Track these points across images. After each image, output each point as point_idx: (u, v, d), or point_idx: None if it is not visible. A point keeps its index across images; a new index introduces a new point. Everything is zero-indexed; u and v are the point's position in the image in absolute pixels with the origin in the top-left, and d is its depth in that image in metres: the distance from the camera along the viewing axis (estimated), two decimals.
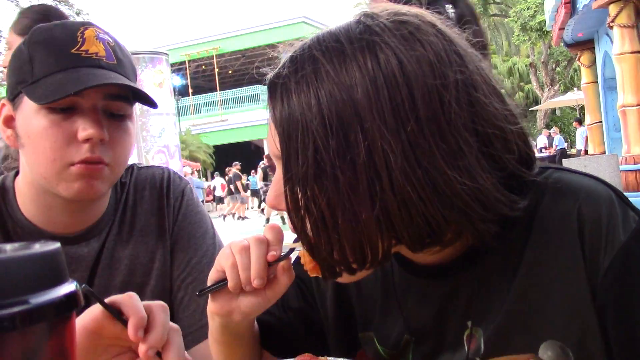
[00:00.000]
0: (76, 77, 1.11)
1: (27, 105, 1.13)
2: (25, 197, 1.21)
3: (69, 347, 0.35)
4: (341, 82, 0.73)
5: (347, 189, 0.72)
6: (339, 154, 0.72)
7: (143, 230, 1.30)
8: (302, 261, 0.86)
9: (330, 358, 0.86)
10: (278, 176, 0.83)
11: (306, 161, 0.73)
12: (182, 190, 1.36)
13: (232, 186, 19.99)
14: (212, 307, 0.94)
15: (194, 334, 1.27)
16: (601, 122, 10.92)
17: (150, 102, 1.23)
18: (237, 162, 20.89)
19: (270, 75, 0.81)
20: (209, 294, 0.92)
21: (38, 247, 0.34)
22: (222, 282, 0.90)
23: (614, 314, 0.77)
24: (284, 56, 0.81)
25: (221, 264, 0.89)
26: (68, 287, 0.34)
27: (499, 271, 0.85)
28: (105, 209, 1.29)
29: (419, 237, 0.76)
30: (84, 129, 1.12)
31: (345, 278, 0.83)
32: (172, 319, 1.31)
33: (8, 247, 0.34)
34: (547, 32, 19.31)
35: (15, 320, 0.31)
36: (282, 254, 0.88)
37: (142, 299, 1.27)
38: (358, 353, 0.99)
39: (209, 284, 0.91)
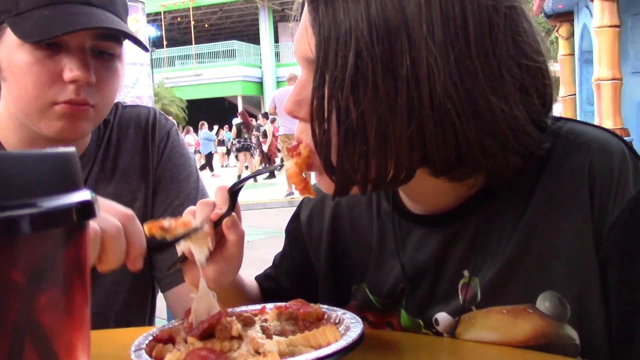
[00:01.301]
0: (64, 15, 1.05)
1: (11, 37, 1.07)
2: (8, 129, 1.17)
3: (84, 260, 0.33)
4: None
5: (385, 99, 0.71)
6: (382, 61, 0.70)
7: (126, 169, 1.27)
8: (291, 181, 0.84)
9: (323, 305, 0.85)
10: (302, 81, 0.81)
11: (345, 65, 0.71)
12: (167, 131, 1.33)
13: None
14: (186, 279, 0.92)
15: (171, 276, 1.27)
16: (575, 95, 11.02)
17: (141, 45, 1.19)
18: (204, 122, 20.59)
19: None
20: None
21: (50, 150, 0.31)
22: (180, 256, 0.89)
23: (616, 266, 0.77)
24: None
25: None
26: (83, 194, 0.32)
27: (501, 220, 0.84)
28: (87, 146, 1.25)
29: (447, 160, 0.74)
30: (70, 70, 1.07)
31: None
32: (150, 261, 1.30)
33: (17, 150, 0.31)
34: (527, 1, 19.29)
35: (24, 223, 0.28)
36: (226, 211, 0.86)
37: None
38: (346, 307, 0.99)
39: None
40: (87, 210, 0.32)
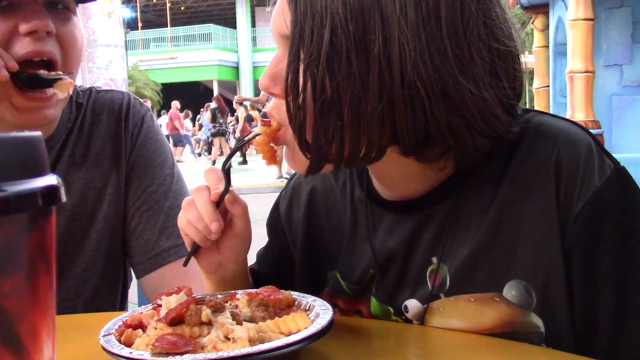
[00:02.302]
0: None
1: None
2: None
3: (49, 245, 0.32)
4: None
5: (358, 75, 0.72)
6: (356, 38, 0.71)
7: (98, 155, 1.25)
8: (259, 149, 0.85)
9: (294, 292, 0.85)
10: (278, 57, 0.81)
11: (321, 41, 0.72)
12: (142, 117, 1.31)
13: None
14: (202, 268, 0.96)
15: (146, 262, 1.25)
16: (548, 86, 11.15)
17: None
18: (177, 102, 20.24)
19: None
20: (195, 259, 0.94)
21: (15, 134, 0.31)
22: (194, 246, 0.92)
23: (580, 256, 0.79)
24: None
25: (181, 227, 0.91)
26: (48, 179, 0.32)
27: (470, 207, 0.85)
28: (56, 128, 1.23)
29: (416, 139, 0.76)
30: (26, 20, 1.02)
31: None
32: (125, 246, 1.29)
33: None
34: None
35: None
36: (223, 189, 0.88)
37: (93, 225, 1.24)
38: (320, 294, 1.00)
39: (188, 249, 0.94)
40: (52, 195, 0.32)
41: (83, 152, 1.25)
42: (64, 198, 0.32)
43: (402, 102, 0.73)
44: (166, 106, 24.23)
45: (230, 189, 0.89)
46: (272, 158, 0.86)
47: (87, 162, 1.24)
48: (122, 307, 1.38)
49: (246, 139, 0.93)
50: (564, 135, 0.82)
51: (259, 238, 1.13)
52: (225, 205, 0.89)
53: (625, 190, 0.80)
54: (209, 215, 0.87)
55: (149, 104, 20.59)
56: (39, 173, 0.31)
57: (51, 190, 0.31)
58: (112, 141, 1.27)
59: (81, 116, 1.27)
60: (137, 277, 1.30)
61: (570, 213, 0.79)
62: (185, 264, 0.94)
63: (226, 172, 0.89)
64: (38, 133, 0.32)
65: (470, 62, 0.74)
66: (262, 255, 1.14)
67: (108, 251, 1.26)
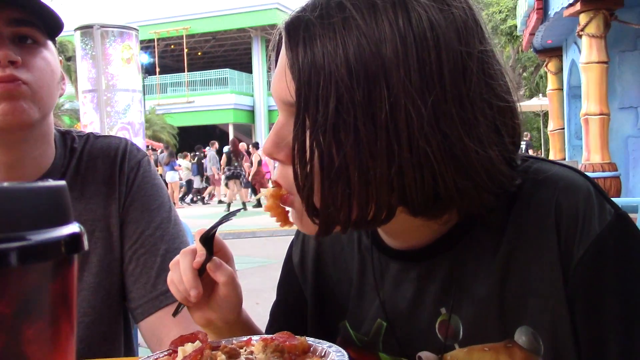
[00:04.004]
0: None
1: None
2: None
3: (71, 292, 0.33)
4: (370, 35, 0.71)
5: (366, 143, 0.71)
6: (362, 106, 0.71)
7: (91, 199, 1.27)
8: (271, 213, 0.84)
9: (309, 338, 0.85)
10: (281, 123, 0.81)
11: (326, 110, 0.71)
12: (138, 162, 1.33)
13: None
14: (194, 320, 0.96)
15: (144, 306, 1.26)
16: (563, 128, 11.14)
17: (55, 21, 1.19)
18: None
19: (287, 18, 0.78)
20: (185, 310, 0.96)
21: (41, 183, 0.31)
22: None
23: (583, 303, 0.78)
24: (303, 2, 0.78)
25: (168, 283, 0.93)
26: (72, 227, 0.32)
27: (475, 256, 0.85)
28: (47, 170, 1.25)
29: (425, 200, 0.75)
30: None
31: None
32: (123, 290, 1.30)
33: (7, 183, 0.32)
34: (517, 36, 19.58)
35: (13, 256, 0.29)
36: (206, 256, 0.89)
37: (87, 268, 1.25)
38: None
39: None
40: (75, 243, 0.32)
41: (76, 195, 1.27)
42: (86, 246, 0.33)
43: (411, 168, 0.72)
44: (182, 149, 24.45)
45: (214, 258, 0.90)
46: (286, 219, 0.85)
47: (80, 205, 1.26)
48: (128, 352, 1.38)
49: (229, 217, 0.94)
50: (563, 181, 0.82)
51: (274, 281, 1.13)
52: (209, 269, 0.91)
53: (626, 235, 0.79)
54: (188, 282, 0.88)
55: (161, 147, 20.68)
56: (63, 221, 0.32)
57: (74, 239, 0.32)
58: (106, 185, 1.29)
59: (75, 160, 1.29)
60: (136, 322, 1.30)
61: (572, 260, 0.78)
62: (174, 315, 0.96)
63: (207, 241, 0.90)
64: (62, 182, 0.33)
65: (475, 122, 0.74)
66: (274, 312, 1.12)
67: (107, 295, 1.27)
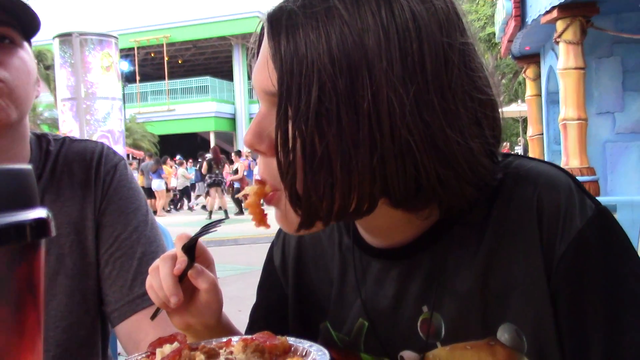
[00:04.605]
0: None
1: None
2: None
3: (37, 279, 0.32)
4: (353, 25, 0.71)
5: (348, 132, 0.71)
6: (345, 95, 0.70)
7: (67, 202, 1.26)
8: (249, 210, 0.83)
9: (290, 338, 0.84)
10: (262, 114, 0.80)
11: (309, 99, 0.71)
12: (114, 165, 1.32)
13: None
14: (173, 324, 0.95)
15: (120, 309, 1.25)
16: (542, 134, 11.25)
17: (33, 20, 1.19)
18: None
19: (270, 9, 0.77)
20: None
21: (3, 166, 0.30)
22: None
23: (566, 297, 0.78)
24: None
25: (146, 288, 0.92)
26: (38, 212, 0.31)
27: (457, 254, 0.85)
28: None
29: (407, 191, 0.75)
30: None
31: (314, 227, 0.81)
32: (100, 294, 1.28)
33: None
34: (496, 44, 19.78)
35: None
36: (187, 263, 0.88)
37: (62, 270, 1.24)
38: None
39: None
40: (42, 228, 0.31)
41: (52, 198, 1.25)
42: (53, 232, 0.32)
43: (393, 157, 0.72)
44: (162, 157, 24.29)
45: (195, 264, 0.89)
46: (263, 220, 0.85)
47: (55, 208, 1.25)
48: (104, 356, 1.36)
49: (213, 227, 0.93)
50: (543, 177, 0.82)
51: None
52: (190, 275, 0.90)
53: (607, 230, 0.79)
54: (168, 289, 0.87)
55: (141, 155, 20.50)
56: (29, 205, 0.31)
57: (40, 223, 0.31)
58: (82, 189, 1.28)
59: (51, 163, 1.28)
60: (113, 326, 1.29)
61: (555, 255, 0.78)
62: (152, 319, 0.95)
63: (189, 249, 0.89)
64: (28, 166, 0.32)
65: (456, 113, 0.74)
66: (254, 315, 1.11)
67: (83, 299, 1.25)
